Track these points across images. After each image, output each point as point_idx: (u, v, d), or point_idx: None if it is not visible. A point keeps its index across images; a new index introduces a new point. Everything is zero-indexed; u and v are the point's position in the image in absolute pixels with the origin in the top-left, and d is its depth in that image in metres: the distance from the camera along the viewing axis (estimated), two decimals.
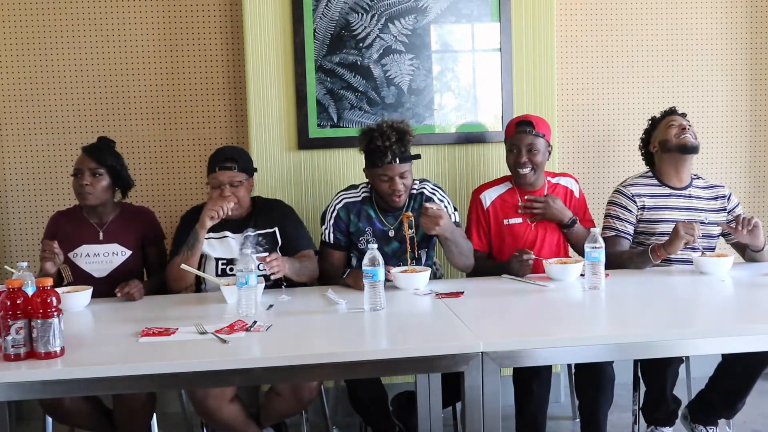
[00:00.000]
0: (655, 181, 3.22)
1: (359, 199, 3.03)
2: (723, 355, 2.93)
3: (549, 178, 3.23)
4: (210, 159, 2.99)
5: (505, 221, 3.17)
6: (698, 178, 3.28)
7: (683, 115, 3.26)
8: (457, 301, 2.61)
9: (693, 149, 3.16)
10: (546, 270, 2.88)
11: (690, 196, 3.19)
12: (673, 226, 2.94)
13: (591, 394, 2.86)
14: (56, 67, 3.62)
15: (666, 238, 2.99)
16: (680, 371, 3.18)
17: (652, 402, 3.09)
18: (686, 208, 3.16)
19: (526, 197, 3.16)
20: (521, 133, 3.10)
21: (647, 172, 3.27)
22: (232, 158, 2.95)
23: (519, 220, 3.16)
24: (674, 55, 3.92)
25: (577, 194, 3.26)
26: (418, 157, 2.99)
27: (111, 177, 2.98)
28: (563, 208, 3.14)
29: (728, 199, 3.23)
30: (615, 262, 3.08)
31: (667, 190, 3.20)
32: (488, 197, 3.20)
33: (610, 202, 3.23)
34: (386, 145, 2.85)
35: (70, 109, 3.64)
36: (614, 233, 3.16)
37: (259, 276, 2.60)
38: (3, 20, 3.58)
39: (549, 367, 2.90)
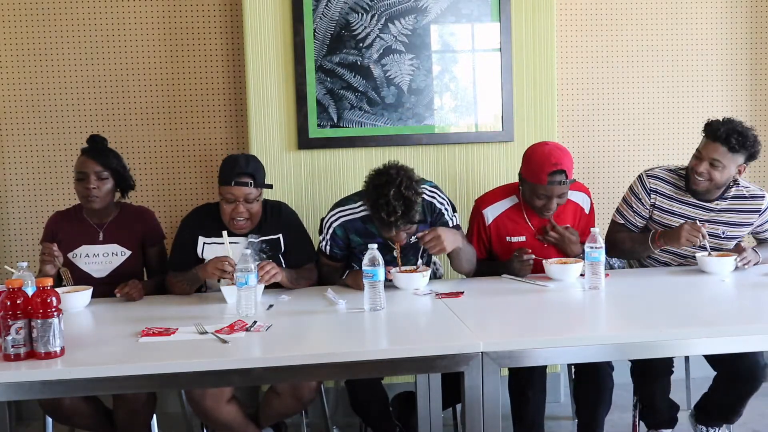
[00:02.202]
0: (681, 184, 3.03)
1: (359, 216, 2.91)
2: (715, 372, 2.92)
3: None
4: (224, 167, 2.89)
5: (508, 238, 3.05)
6: (737, 185, 3.02)
7: (727, 143, 2.85)
8: (457, 301, 2.61)
9: (697, 194, 2.98)
10: (546, 270, 2.87)
11: (715, 209, 3.01)
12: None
13: (590, 402, 2.85)
14: (56, 68, 3.62)
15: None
16: (680, 371, 3.18)
17: (646, 409, 3.08)
18: (704, 221, 2.98)
19: (549, 220, 2.98)
20: (554, 185, 2.87)
21: (682, 169, 3.06)
22: (249, 174, 2.86)
23: (523, 238, 3.04)
24: (674, 55, 3.92)
25: (587, 210, 3.12)
26: (423, 222, 2.86)
27: (115, 179, 2.98)
28: (577, 243, 2.97)
29: (761, 214, 3.01)
30: (616, 249, 3.07)
31: (689, 198, 3.02)
32: (491, 214, 3.06)
33: (630, 187, 3.11)
34: (391, 220, 2.67)
35: (70, 110, 3.64)
36: (622, 221, 3.12)
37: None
38: (3, 20, 3.57)
39: (543, 373, 2.88)
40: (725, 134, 2.86)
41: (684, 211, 3.04)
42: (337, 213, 2.94)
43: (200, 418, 2.78)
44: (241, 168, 2.86)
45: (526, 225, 3.05)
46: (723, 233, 3.02)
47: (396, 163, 2.78)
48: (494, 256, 3.13)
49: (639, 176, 3.10)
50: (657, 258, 3.14)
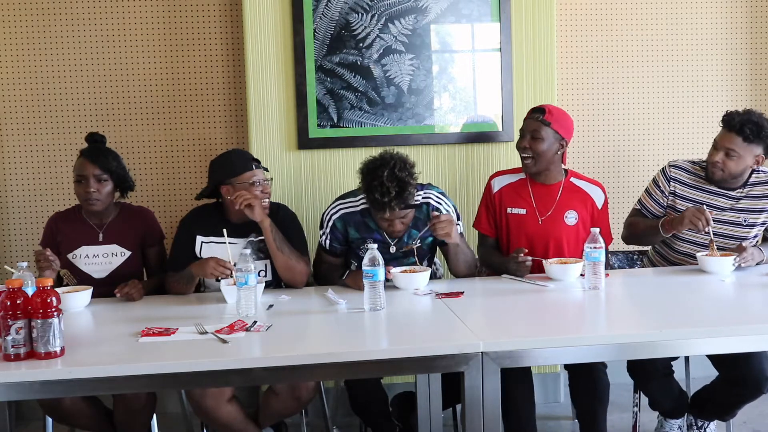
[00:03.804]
0: (702, 174, 3.07)
1: (358, 209, 2.94)
2: (719, 373, 2.92)
3: (573, 179, 3.12)
4: (232, 160, 2.93)
5: (509, 209, 3.08)
6: (757, 171, 3.04)
7: (742, 133, 2.89)
8: (457, 301, 2.61)
9: (718, 183, 3.01)
10: (546, 270, 2.87)
11: (736, 197, 3.03)
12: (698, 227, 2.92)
13: (588, 402, 2.85)
14: (56, 67, 3.62)
15: (689, 238, 2.99)
16: (680, 371, 3.18)
17: (651, 402, 3.09)
18: (726, 209, 3.03)
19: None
20: (529, 119, 3.05)
21: (704, 162, 3.08)
22: (257, 159, 2.96)
23: (523, 211, 3.07)
24: (674, 55, 3.92)
25: (599, 205, 3.12)
26: (418, 206, 2.90)
27: (114, 181, 2.98)
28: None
29: None
30: (631, 233, 3.16)
31: (711, 187, 3.05)
32: (498, 183, 3.13)
33: (653, 177, 3.19)
34: (385, 200, 2.72)
35: (70, 109, 3.64)
36: (639, 207, 3.19)
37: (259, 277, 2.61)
38: (3, 20, 3.57)
39: (528, 369, 2.88)
40: (740, 124, 2.91)
41: (705, 198, 3.06)
42: (337, 205, 2.98)
43: (200, 418, 2.78)
44: (247, 155, 2.97)
45: (528, 199, 3.08)
46: (744, 221, 3.03)
47: (390, 150, 2.86)
48: (500, 236, 3.15)
49: (664, 166, 3.17)
50: (667, 257, 3.15)
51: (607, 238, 3.10)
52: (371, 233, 2.93)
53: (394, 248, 2.93)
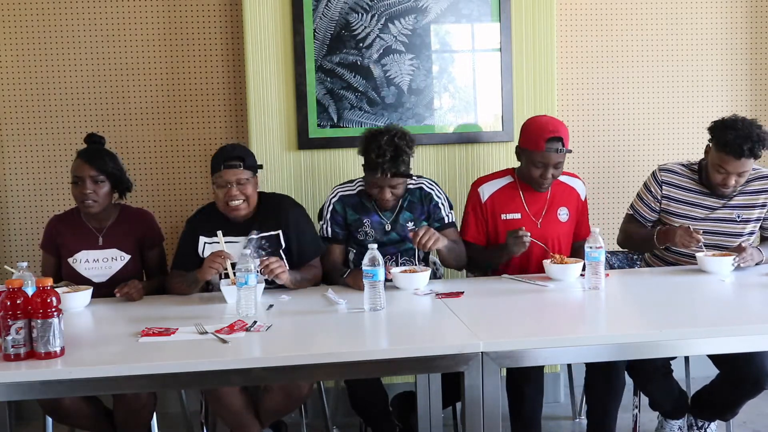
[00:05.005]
0: (695, 177, 3.08)
1: (355, 191, 3.05)
2: (718, 371, 2.92)
3: None
4: (213, 158, 2.94)
5: (503, 216, 3.08)
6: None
7: (754, 155, 2.86)
8: (457, 301, 2.61)
9: (728, 197, 3.03)
10: (546, 270, 2.87)
11: (729, 195, 3.04)
12: (692, 224, 2.93)
13: (603, 398, 2.85)
14: (56, 68, 3.62)
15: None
16: (680, 371, 3.18)
17: (651, 403, 3.09)
18: (720, 207, 3.04)
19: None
20: (551, 152, 2.93)
21: (694, 164, 3.12)
22: (238, 156, 2.90)
23: (518, 215, 3.07)
24: (674, 55, 3.92)
25: (582, 197, 3.18)
26: (410, 176, 2.94)
27: (111, 182, 2.96)
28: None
29: None
30: (628, 241, 3.17)
31: (702, 188, 3.06)
32: (487, 191, 3.12)
33: (644, 182, 3.19)
34: (378, 161, 2.84)
35: (70, 109, 3.64)
36: (632, 212, 3.20)
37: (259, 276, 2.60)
38: (3, 20, 3.57)
39: (541, 371, 2.89)
40: (749, 150, 2.85)
41: (695, 199, 3.07)
42: (336, 190, 3.09)
43: (212, 405, 2.75)
44: (229, 153, 2.92)
45: (520, 202, 3.09)
46: (738, 216, 3.04)
47: (395, 124, 3.04)
48: (491, 243, 3.14)
49: (654, 171, 3.17)
50: (664, 258, 3.15)
51: (587, 231, 3.12)
52: (368, 213, 3.02)
53: (390, 226, 3.00)
